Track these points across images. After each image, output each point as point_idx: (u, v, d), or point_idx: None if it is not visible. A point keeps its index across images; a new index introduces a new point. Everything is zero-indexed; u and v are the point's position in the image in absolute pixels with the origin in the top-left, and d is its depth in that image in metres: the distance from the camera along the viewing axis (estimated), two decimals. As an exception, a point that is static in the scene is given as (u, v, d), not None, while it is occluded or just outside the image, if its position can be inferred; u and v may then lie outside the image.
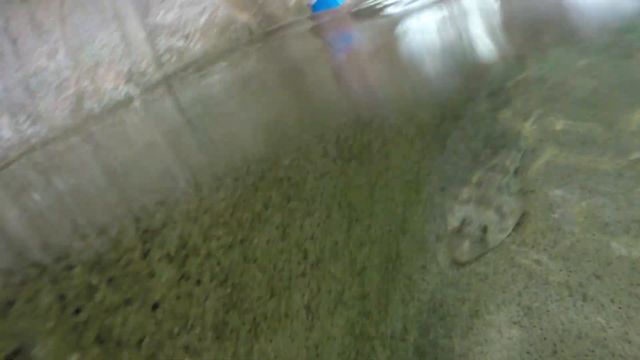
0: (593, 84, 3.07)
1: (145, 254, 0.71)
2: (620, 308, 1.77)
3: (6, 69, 1.77)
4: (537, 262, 2.06)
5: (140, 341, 0.68)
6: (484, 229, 1.78)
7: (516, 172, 2.44)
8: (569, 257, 2.04)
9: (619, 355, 1.64)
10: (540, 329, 1.76)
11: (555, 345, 1.68)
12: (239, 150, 0.93)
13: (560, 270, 1.99)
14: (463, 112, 2.80)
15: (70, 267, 0.59)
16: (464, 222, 1.78)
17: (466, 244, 1.74)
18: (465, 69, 2.76)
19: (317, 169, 1.27)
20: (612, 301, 1.78)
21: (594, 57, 3.37)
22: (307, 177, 1.22)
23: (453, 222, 1.83)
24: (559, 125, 2.84)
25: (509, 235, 2.18)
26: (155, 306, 0.71)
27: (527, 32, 3.33)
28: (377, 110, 1.67)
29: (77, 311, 0.59)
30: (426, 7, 2.70)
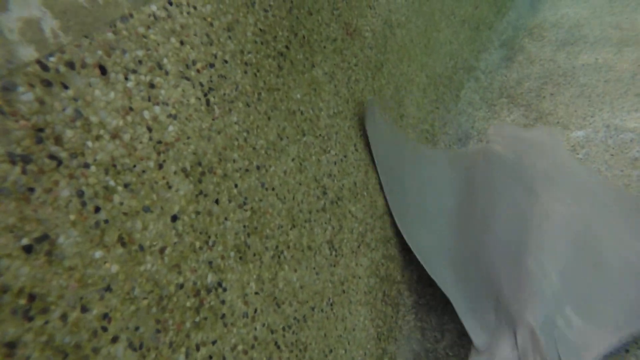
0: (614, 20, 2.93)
1: (160, 165, 0.70)
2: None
3: None
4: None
5: (163, 249, 0.67)
6: None
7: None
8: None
9: None
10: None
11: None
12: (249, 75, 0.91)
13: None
14: (476, 63, 2.72)
15: (86, 165, 0.58)
16: None
17: None
18: (475, 19, 2.67)
19: (330, 107, 1.25)
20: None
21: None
22: (320, 114, 1.20)
23: None
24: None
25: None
26: (174, 218, 0.70)
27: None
28: (386, 56, 1.63)
29: (97, 210, 0.58)
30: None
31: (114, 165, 0.62)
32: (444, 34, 2.22)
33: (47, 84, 0.55)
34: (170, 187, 0.71)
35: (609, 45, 2.85)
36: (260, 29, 0.97)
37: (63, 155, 0.55)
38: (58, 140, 0.55)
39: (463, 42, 2.50)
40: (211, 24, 0.83)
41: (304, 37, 1.13)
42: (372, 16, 1.52)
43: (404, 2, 1.78)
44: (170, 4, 0.75)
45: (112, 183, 0.61)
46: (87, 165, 0.58)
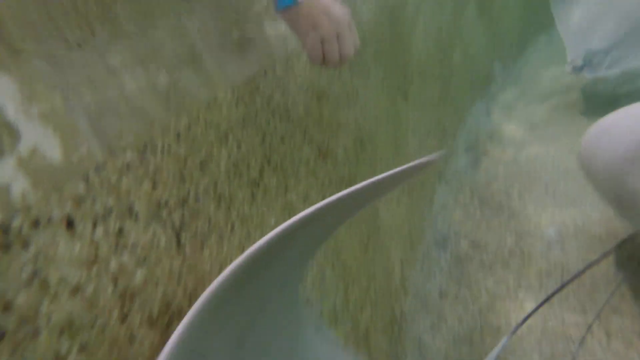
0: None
1: (124, 317, 0.65)
2: None
3: None
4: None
5: (119, 419, 0.60)
6: None
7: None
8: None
9: None
10: None
11: None
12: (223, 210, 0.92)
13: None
14: (445, 168, 2.86)
15: (36, 332, 0.53)
16: None
17: None
18: (439, 128, 2.88)
19: (306, 227, 1.25)
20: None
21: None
22: (296, 235, 1.19)
23: None
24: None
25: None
26: (136, 377, 0.64)
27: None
28: (358, 168, 1.70)
29: (45, 382, 0.52)
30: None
31: (71, 325, 0.57)
32: (412, 145, 2.36)
33: (6, 247, 0.53)
34: (133, 342, 0.65)
35: (564, 144, 3.09)
36: (234, 161, 1.00)
37: (10, 325, 0.51)
38: (7, 308, 0.51)
39: (431, 150, 2.67)
40: (185, 163, 0.86)
41: (277, 163, 1.17)
42: (343, 135, 1.61)
43: (372, 119, 1.92)
44: (146, 148, 0.78)
45: (66, 346, 0.56)
46: (37, 332, 0.53)
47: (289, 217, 1.21)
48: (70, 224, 0.62)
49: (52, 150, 0.62)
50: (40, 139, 0.60)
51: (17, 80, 0.59)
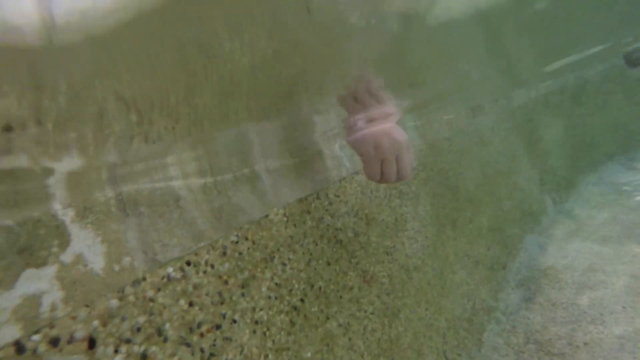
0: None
1: None
2: None
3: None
4: None
5: None
6: None
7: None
8: None
9: None
10: None
11: None
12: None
13: None
14: (495, 303, 2.62)
15: None
16: None
17: None
18: (488, 259, 2.72)
19: (343, 364, 1.10)
20: None
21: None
22: (332, 374, 1.05)
23: None
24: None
25: None
26: None
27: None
28: (403, 300, 1.56)
29: None
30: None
31: None
32: (460, 275, 2.21)
33: (17, 371, 0.47)
34: None
35: (633, 294, 2.77)
36: (277, 283, 0.94)
37: None
38: None
39: (479, 283, 2.47)
40: (226, 282, 0.80)
41: (320, 288, 1.09)
42: (389, 262, 1.52)
43: (420, 247, 1.83)
44: (188, 264, 0.74)
45: None
46: None
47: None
48: (91, 345, 0.56)
49: (95, 259, 0.59)
50: (87, 247, 0.58)
51: (77, 190, 0.59)
